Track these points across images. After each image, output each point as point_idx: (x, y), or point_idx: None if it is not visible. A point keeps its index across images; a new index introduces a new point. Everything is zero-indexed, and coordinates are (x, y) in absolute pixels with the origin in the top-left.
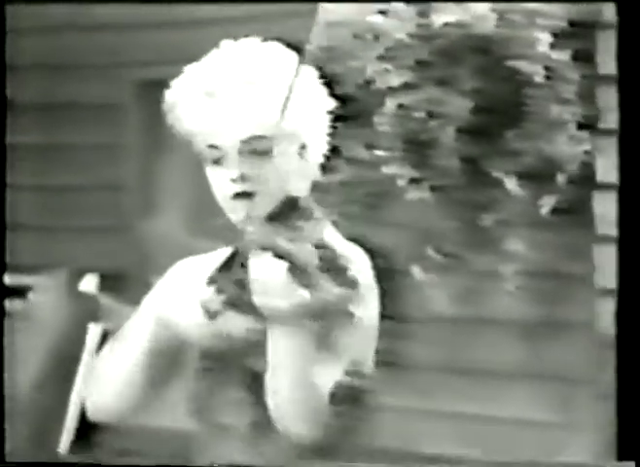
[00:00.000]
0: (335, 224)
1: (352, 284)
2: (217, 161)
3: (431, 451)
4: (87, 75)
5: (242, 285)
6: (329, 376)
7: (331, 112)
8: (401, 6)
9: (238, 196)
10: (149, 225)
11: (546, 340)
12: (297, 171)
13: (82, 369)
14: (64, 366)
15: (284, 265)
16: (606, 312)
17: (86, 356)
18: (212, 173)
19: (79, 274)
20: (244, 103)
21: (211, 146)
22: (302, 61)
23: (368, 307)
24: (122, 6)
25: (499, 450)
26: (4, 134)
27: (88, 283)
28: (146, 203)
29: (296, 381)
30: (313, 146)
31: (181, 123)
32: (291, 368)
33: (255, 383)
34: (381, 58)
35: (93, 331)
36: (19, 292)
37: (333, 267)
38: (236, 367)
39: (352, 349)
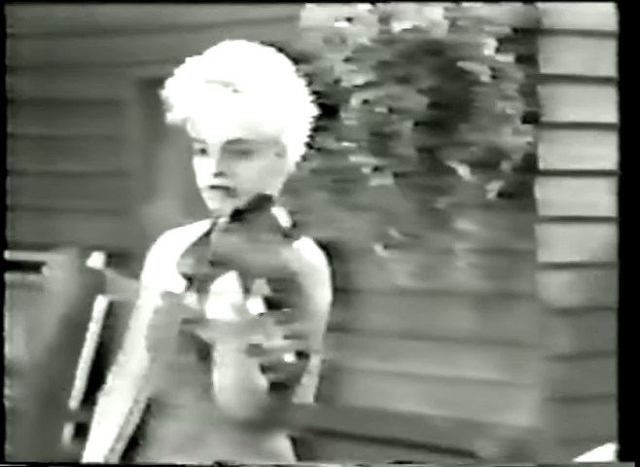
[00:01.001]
0: (302, 223)
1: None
2: (203, 152)
3: (395, 408)
4: (91, 74)
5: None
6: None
7: (313, 117)
8: (365, 13)
9: (215, 188)
10: (149, 208)
11: (495, 309)
12: (273, 171)
13: (89, 336)
14: (75, 332)
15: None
16: (549, 284)
17: (93, 324)
18: (197, 163)
19: (87, 252)
20: (233, 106)
21: (199, 140)
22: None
23: (316, 298)
24: (123, 9)
25: (456, 407)
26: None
27: (96, 260)
28: (147, 189)
29: (239, 378)
30: (293, 147)
31: (177, 111)
32: (235, 367)
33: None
34: (348, 60)
35: (100, 302)
36: (35, 267)
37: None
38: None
39: (297, 337)
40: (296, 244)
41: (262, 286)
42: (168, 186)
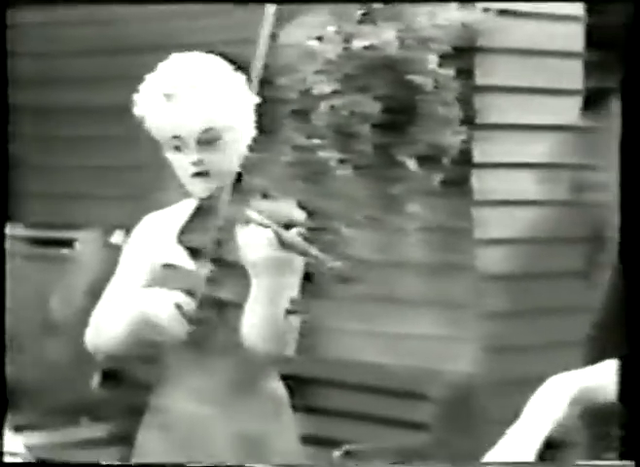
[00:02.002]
0: (270, 194)
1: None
2: (178, 148)
3: (363, 359)
4: (110, 86)
5: (218, 242)
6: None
7: (256, 105)
8: (331, 34)
9: (197, 175)
10: (159, 194)
11: (440, 277)
12: (235, 152)
13: None
14: (100, 296)
15: (267, 231)
16: (483, 256)
17: None
18: (173, 158)
19: (110, 231)
20: (196, 103)
21: (174, 136)
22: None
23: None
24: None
25: (411, 357)
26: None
27: (117, 237)
28: (157, 179)
29: (268, 313)
30: (245, 131)
31: (147, 119)
32: (267, 302)
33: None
34: (318, 72)
35: None
36: (67, 243)
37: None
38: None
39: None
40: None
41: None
42: (173, 176)
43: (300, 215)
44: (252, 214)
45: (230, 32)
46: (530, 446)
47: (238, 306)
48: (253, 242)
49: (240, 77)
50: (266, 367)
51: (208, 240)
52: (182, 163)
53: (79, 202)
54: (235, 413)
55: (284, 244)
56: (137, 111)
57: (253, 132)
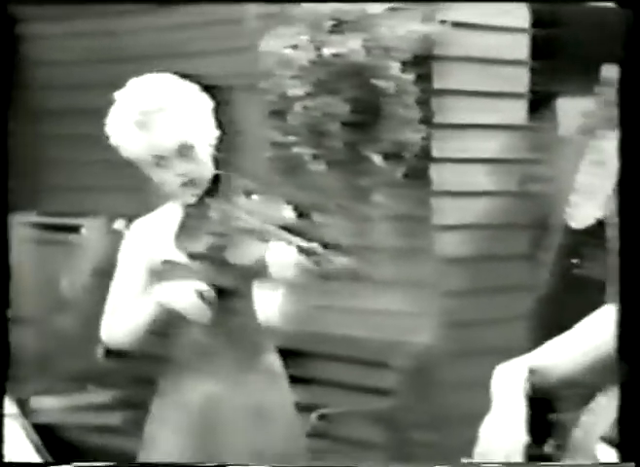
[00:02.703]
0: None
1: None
2: (159, 165)
3: (337, 332)
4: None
5: (216, 246)
6: None
7: (215, 118)
8: (305, 42)
9: (184, 185)
10: (154, 187)
11: (403, 259)
12: (206, 158)
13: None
14: (104, 278)
15: (293, 249)
16: (441, 240)
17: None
18: (157, 173)
19: (113, 218)
20: (168, 124)
21: (155, 156)
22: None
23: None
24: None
25: (377, 331)
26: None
27: (119, 224)
28: None
29: (289, 306)
30: (204, 142)
31: (123, 147)
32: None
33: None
34: (293, 77)
35: None
36: (75, 229)
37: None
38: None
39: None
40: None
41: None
42: None
43: (289, 214)
44: (278, 232)
45: (214, 43)
46: (516, 416)
47: (237, 293)
48: (283, 262)
49: (194, 87)
50: (263, 343)
51: (205, 244)
52: (167, 177)
53: (85, 193)
54: (240, 388)
55: (306, 253)
56: (112, 140)
57: (215, 133)
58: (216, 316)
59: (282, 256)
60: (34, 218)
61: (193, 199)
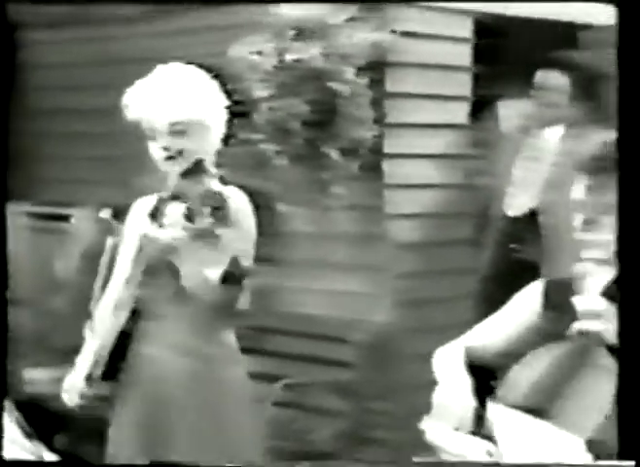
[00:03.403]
0: (224, 177)
1: (224, 217)
2: (153, 138)
3: (302, 312)
4: (102, 91)
5: (187, 216)
6: (216, 268)
7: (227, 107)
8: (269, 48)
9: (168, 158)
10: (140, 179)
11: (360, 244)
12: (202, 143)
13: (102, 263)
14: (92, 262)
15: (182, 207)
16: (394, 228)
17: (104, 257)
18: (151, 145)
19: (99, 208)
20: (166, 102)
21: (150, 128)
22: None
23: (243, 224)
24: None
25: (338, 310)
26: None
27: (105, 213)
28: (136, 168)
29: (193, 276)
30: (215, 128)
31: (133, 114)
32: (190, 270)
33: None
34: (260, 80)
35: (109, 242)
36: (65, 218)
37: (215, 204)
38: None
39: (232, 251)
40: (227, 186)
41: (205, 210)
42: (152, 165)
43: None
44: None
45: (205, 48)
46: (461, 385)
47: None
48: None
49: (213, 83)
50: (220, 320)
51: (179, 215)
52: (157, 150)
53: (75, 186)
54: (197, 357)
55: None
56: (126, 108)
57: (223, 129)
58: (176, 292)
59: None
60: (29, 208)
61: (174, 173)
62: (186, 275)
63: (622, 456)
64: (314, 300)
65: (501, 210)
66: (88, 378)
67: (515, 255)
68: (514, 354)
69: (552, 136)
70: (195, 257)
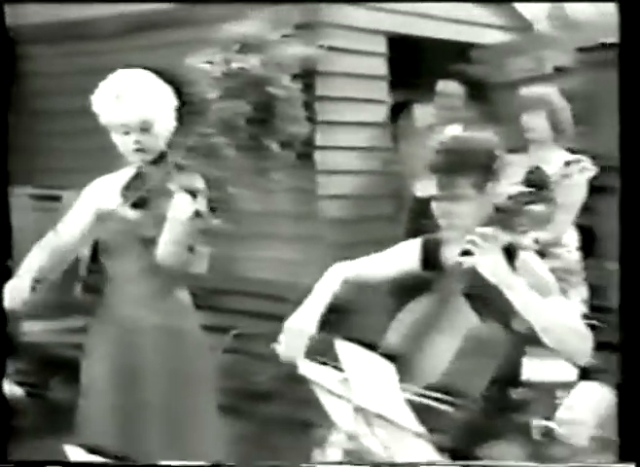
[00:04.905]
0: (183, 165)
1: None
2: (126, 133)
3: (254, 276)
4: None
5: (148, 198)
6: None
7: (183, 106)
8: (217, 58)
9: (137, 151)
10: (116, 168)
11: (297, 220)
12: (161, 136)
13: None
14: None
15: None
16: (325, 207)
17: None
18: (119, 139)
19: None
20: (136, 102)
21: (122, 125)
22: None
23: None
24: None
25: (282, 274)
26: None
27: None
28: (115, 158)
29: (173, 240)
30: (163, 124)
31: (101, 114)
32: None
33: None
34: (211, 85)
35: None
36: (58, 198)
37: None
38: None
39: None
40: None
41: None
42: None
43: (201, 184)
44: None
45: (167, 58)
46: (313, 312)
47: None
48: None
49: (165, 86)
50: (177, 281)
51: (141, 196)
52: (127, 143)
53: (65, 172)
54: (157, 312)
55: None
56: (94, 108)
57: (173, 123)
58: (140, 255)
59: (181, 209)
60: (30, 190)
61: (141, 163)
62: (162, 251)
63: (622, 458)
64: (260, 266)
65: (412, 192)
66: (33, 287)
67: (425, 229)
68: (382, 291)
69: (451, 133)
70: (173, 232)
